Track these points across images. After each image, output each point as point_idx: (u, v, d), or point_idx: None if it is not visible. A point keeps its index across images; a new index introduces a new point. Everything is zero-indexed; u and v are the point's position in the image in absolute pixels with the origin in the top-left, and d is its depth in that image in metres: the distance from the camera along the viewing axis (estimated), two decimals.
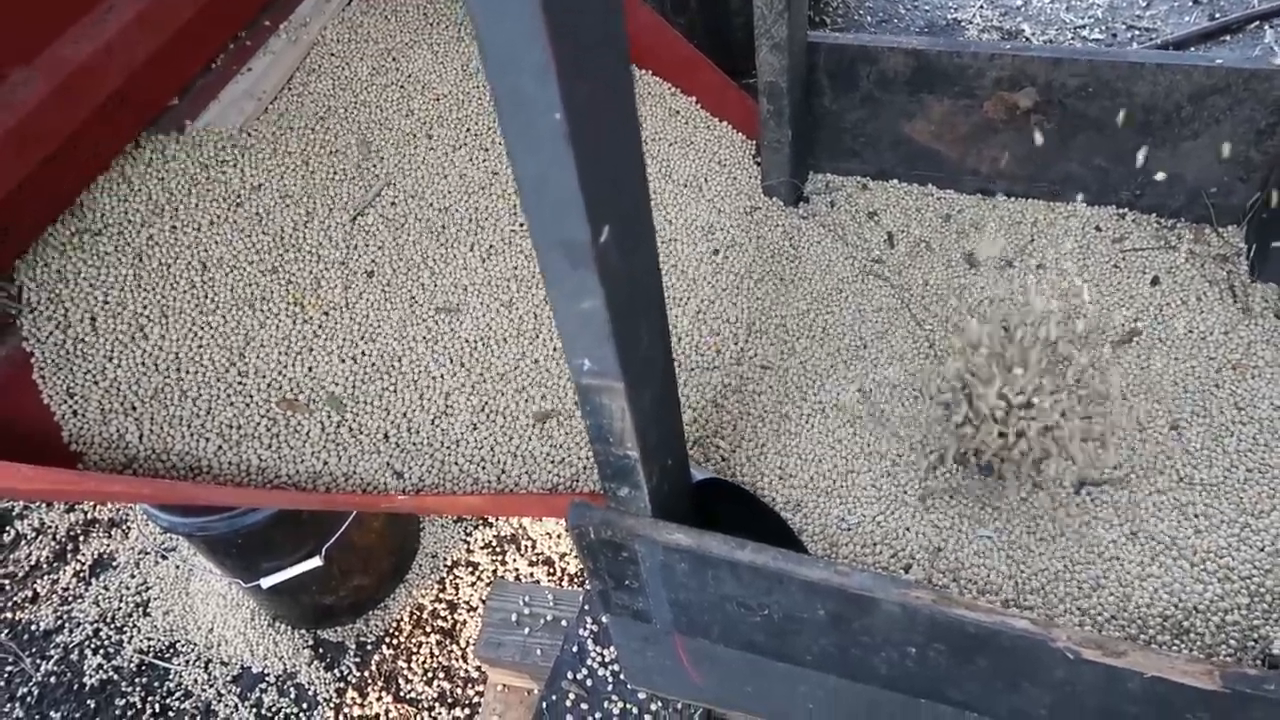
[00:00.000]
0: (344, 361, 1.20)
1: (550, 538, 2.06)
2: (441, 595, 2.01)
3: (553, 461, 1.16)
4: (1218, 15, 3.08)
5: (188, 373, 1.15)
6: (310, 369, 1.18)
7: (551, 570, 2.01)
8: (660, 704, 1.24)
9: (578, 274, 0.67)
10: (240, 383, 1.16)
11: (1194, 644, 1.04)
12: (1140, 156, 1.38)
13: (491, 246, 1.36)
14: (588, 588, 1.43)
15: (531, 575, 2.01)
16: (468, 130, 1.51)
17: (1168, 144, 1.38)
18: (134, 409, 1.11)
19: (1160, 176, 1.42)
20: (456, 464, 1.14)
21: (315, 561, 1.68)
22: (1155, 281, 1.40)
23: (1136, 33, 3.07)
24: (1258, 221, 1.39)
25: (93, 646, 1.96)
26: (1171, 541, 1.13)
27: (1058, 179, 1.48)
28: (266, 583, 1.68)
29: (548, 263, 0.67)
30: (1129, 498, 1.17)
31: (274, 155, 1.38)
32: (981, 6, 3.28)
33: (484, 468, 1.15)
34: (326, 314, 1.23)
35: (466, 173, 1.44)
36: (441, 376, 1.22)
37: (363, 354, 1.21)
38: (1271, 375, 1.27)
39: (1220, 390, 1.26)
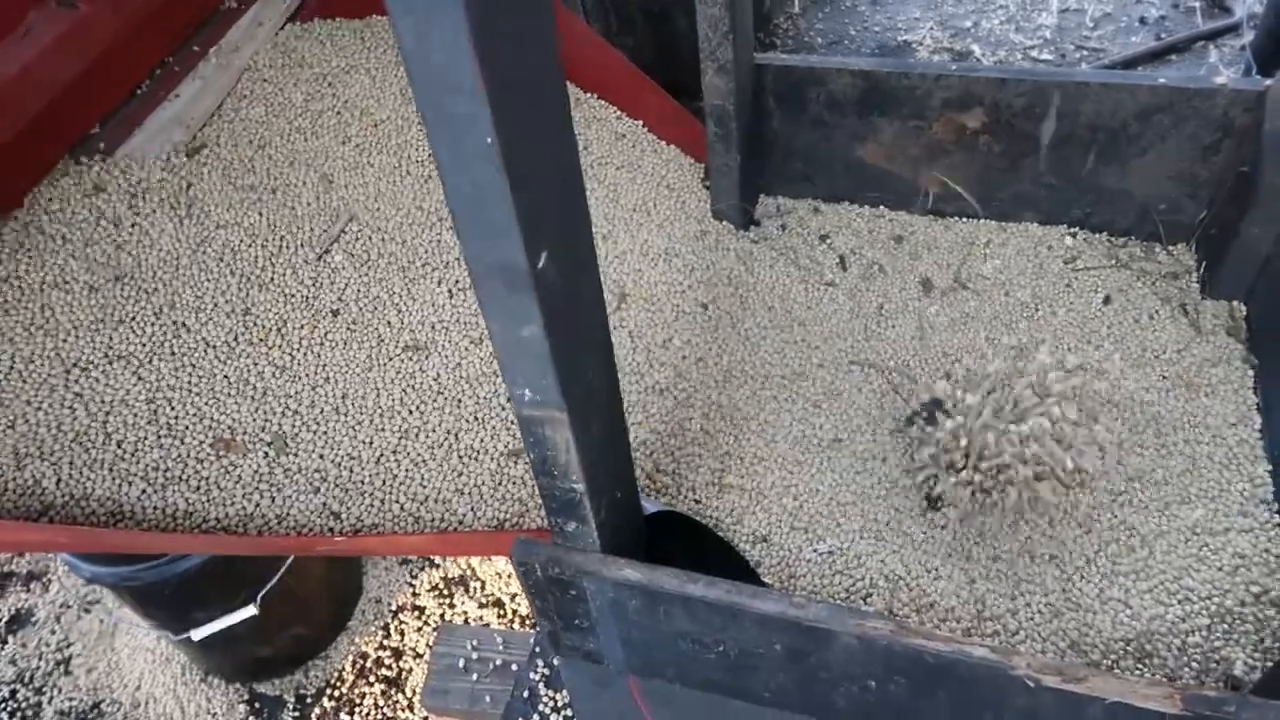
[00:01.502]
0: (292, 401, 1.20)
1: (501, 578, 2.03)
2: (386, 642, 1.97)
3: (500, 498, 1.15)
4: (1164, 35, 3.19)
5: (116, 415, 1.14)
6: (257, 409, 1.18)
7: (502, 612, 1.99)
8: None
9: (515, 299, 0.67)
10: (171, 424, 1.15)
11: (1157, 668, 1.05)
12: (1085, 173, 1.42)
13: (458, 281, 1.37)
14: (539, 629, 1.42)
15: (481, 618, 1.98)
16: (409, 157, 1.51)
17: (1115, 162, 1.42)
18: (52, 453, 1.09)
19: (1109, 194, 1.46)
20: (399, 503, 1.14)
21: (250, 610, 1.65)
22: (1107, 300, 1.43)
23: (1085, 53, 3.17)
24: (1206, 239, 1.43)
25: (8, 710, 1.89)
26: (1130, 565, 1.14)
27: (1008, 198, 1.52)
28: (198, 634, 1.64)
29: (484, 288, 0.67)
30: (1085, 520, 1.19)
31: (211, 186, 1.37)
32: (932, 28, 3.37)
33: (428, 506, 1.14)
34: (286, 353, 1.24)
35: (424, 204, 1.45)
36: (397, 415, 1.22)
37: (317, 394, 1.21)
38: (1223, 393, 1.29)
39: (1173, 408, 1.28)
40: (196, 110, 1.43)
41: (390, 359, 1.27)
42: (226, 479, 1.12)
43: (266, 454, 1.14)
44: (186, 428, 1.15)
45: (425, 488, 1.15)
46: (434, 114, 0.56)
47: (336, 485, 1.14)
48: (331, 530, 1.09)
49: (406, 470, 1.17)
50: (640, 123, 1.64)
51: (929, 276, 1.50)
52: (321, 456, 1.16)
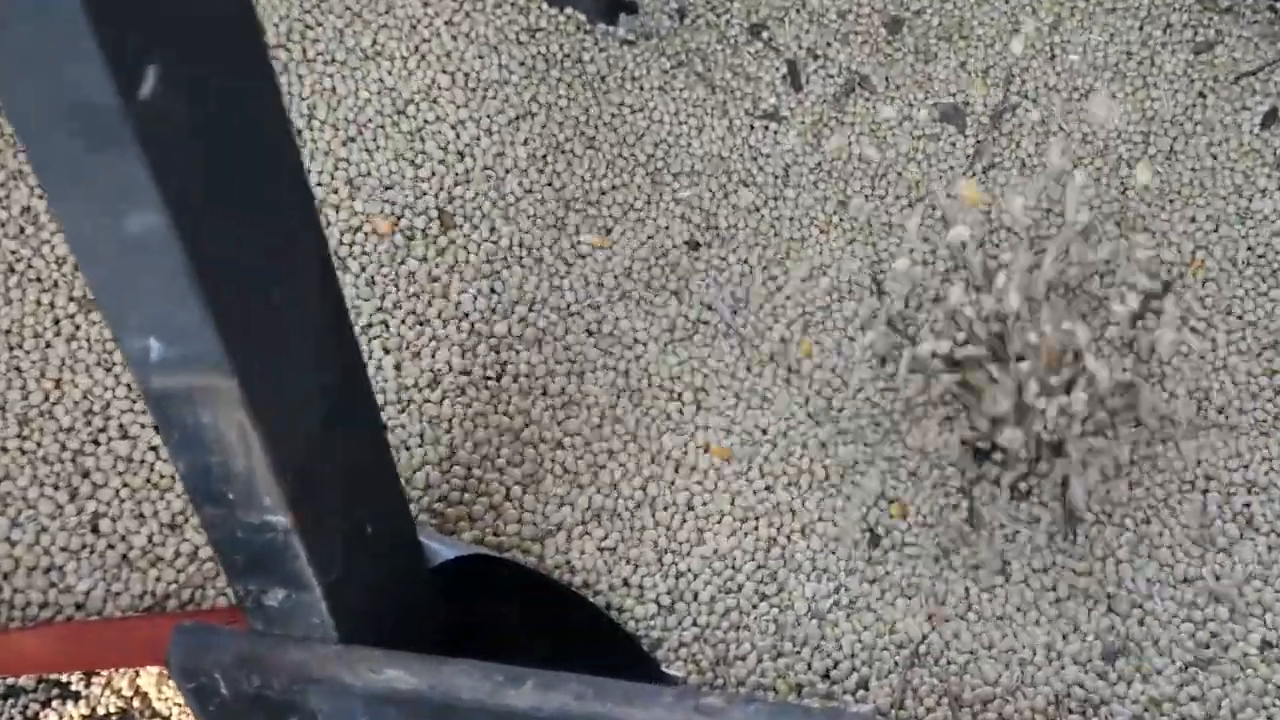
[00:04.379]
0: None
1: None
2: None
3: (154, 559, 1.16)
4: None
5: None
6: None
7: None
8: None
9: (106, 160, 0.66)
10: None
11: None
12: None
13: None
14: None
15: None
16: None
17: None
18: None
19: None
20: None
21: None
22: (1271, 120, 1.48)
23: None
24: None
25: None
26: None
27: None
28: None
29: (44, 149, 0.67)
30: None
31: None
32: None
33: (13, 580, 1.16)
34: None
35: None
36: None
37: None
38: None
39: None
40: None
41: None
42: None
43: None
44: None
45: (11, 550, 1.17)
46: None
47: None
48: None
49: None
50: None
51: (956, 95, 1.53)
52: None
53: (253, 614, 0.90)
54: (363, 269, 1.39)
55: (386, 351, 1.30)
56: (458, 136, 1.45)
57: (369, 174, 1.40)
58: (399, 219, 1.39)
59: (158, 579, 1.17)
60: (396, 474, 0.98)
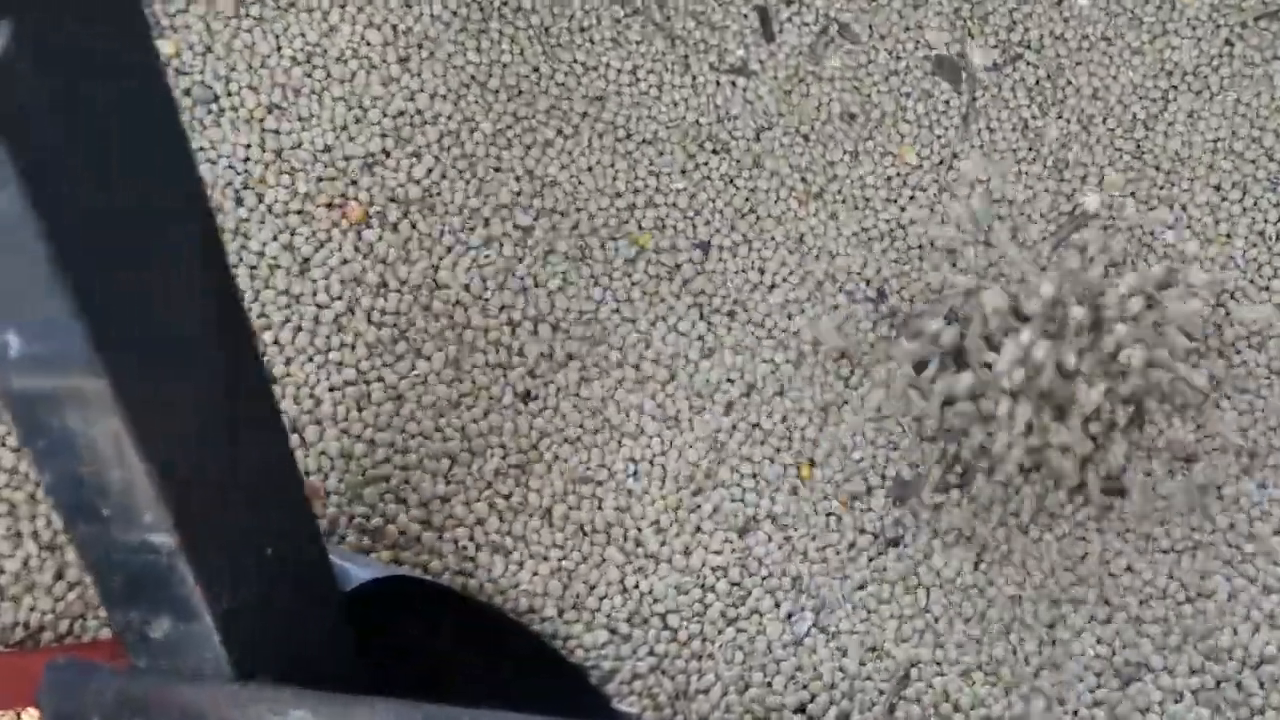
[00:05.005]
0: None
1: None
2: None
3: (29, 585, 1.17)
4: None
5: None
6: None
7: None
8: None
9: None
10: None
11: None
12: None
13: None
14: None
15: None
16: None
17: None
18: None
19: None
20: None
21: None
22: None
23: None
24: None
25: None
26: None
27: None
28: None
29: None
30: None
31: None
32: None
33: None
34: None
35: None
36: None
37: None
38: None
39: None
40: None
41: None
42: None
43: None
44: None
45: None
46: None
47: None
48: None
49: None
50: None
51: (950, 46, 1.54)
52: None
53: (135, 648, 0.89)
54: (273, 256, 1.38)
55: (301, 351, 1.30)
56: (391, 102, 1.45)
57: (301, 145, 1.40)
58: (350, 201, 1.39)
59: (32, 608, 1.17)
60: (302, 487, 0.97)
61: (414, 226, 1.40)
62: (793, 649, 1.27)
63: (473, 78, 1.51)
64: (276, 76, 1.43)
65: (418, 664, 1.08)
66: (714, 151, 1.48)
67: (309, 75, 1.46)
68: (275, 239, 1.38)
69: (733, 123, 1.50)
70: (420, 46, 1.51)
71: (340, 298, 1.36)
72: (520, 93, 1.51)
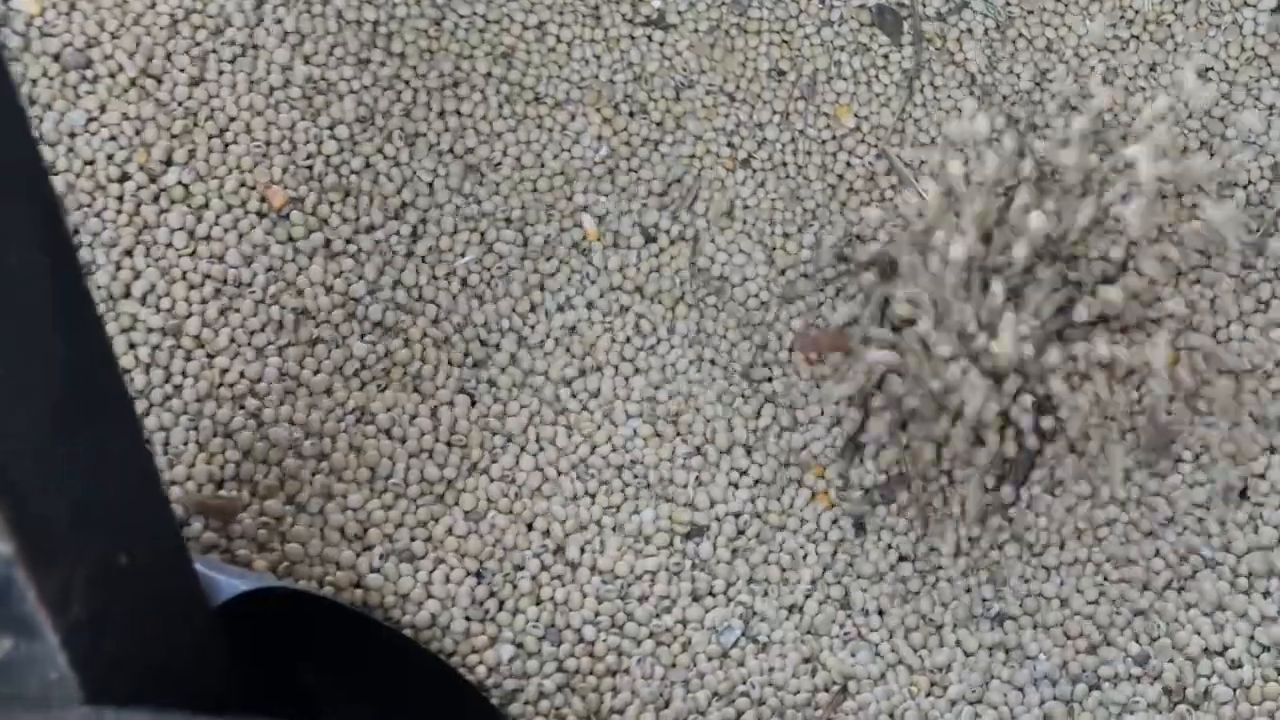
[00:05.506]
0: None
1: None
2: None
3: None
4: None
5: None
6: None
7: None
8: None
9: None
10: None
11: None
12: None
13: None
14: None
15: None
16: None
17: None
18: None
19: None
20: None
21: None
22: None
23: None
24: None
25: None
26: None
27: None
28: None
29: None
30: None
31: None
32: None
33: None
34: None
35: None
36: None
37: None
38: None
39: None
40: None
41: None
42: None
43: None
44: None
45: None
46: None
47: None
48: None
49: None
50: None
51: None
52: None
53: None
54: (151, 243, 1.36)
55: (167, 335, 1.29)
56: (270, 64, 1.44)
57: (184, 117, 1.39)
58: (273, 186, 1.39)
59: None
60: (162, 489, 0.96)
61: (332, 208, 1.40)
62: (719, 662, 1.27)
63: (371, 40, 1.50)
64: (155, 36, 1.42)
65: (298, 683, 1.09)
66: (631, 114, 1.48)
67: (148, 31, 1.45)
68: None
69: (650, 81, 1.50)
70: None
71: (252, 284, 1.37)
72: (429, 52, 1.50)
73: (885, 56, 1.52)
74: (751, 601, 1.30)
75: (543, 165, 1.45)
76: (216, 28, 1.43)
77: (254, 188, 1.37)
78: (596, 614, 1.28)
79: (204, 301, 1.34)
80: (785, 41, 1.52)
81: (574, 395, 1.38)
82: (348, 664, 1.19)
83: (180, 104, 1.39)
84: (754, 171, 1.47)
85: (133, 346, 1.29)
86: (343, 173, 1.40)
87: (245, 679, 1.03)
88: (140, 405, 1.27)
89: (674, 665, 1.27)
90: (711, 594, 1.30)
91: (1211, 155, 1.47)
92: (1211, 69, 1.52)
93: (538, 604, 1.28)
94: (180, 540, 1.01)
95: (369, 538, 1.29)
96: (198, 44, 1.41)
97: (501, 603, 1.28)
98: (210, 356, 1.34)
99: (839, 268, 1.43)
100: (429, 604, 1.27)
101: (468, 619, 1.27)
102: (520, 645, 1.25)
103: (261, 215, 1.37)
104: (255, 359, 1.36)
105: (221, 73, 1.41)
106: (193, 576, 1.00)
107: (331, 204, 1.39)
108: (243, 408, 1.33)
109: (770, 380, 1.39)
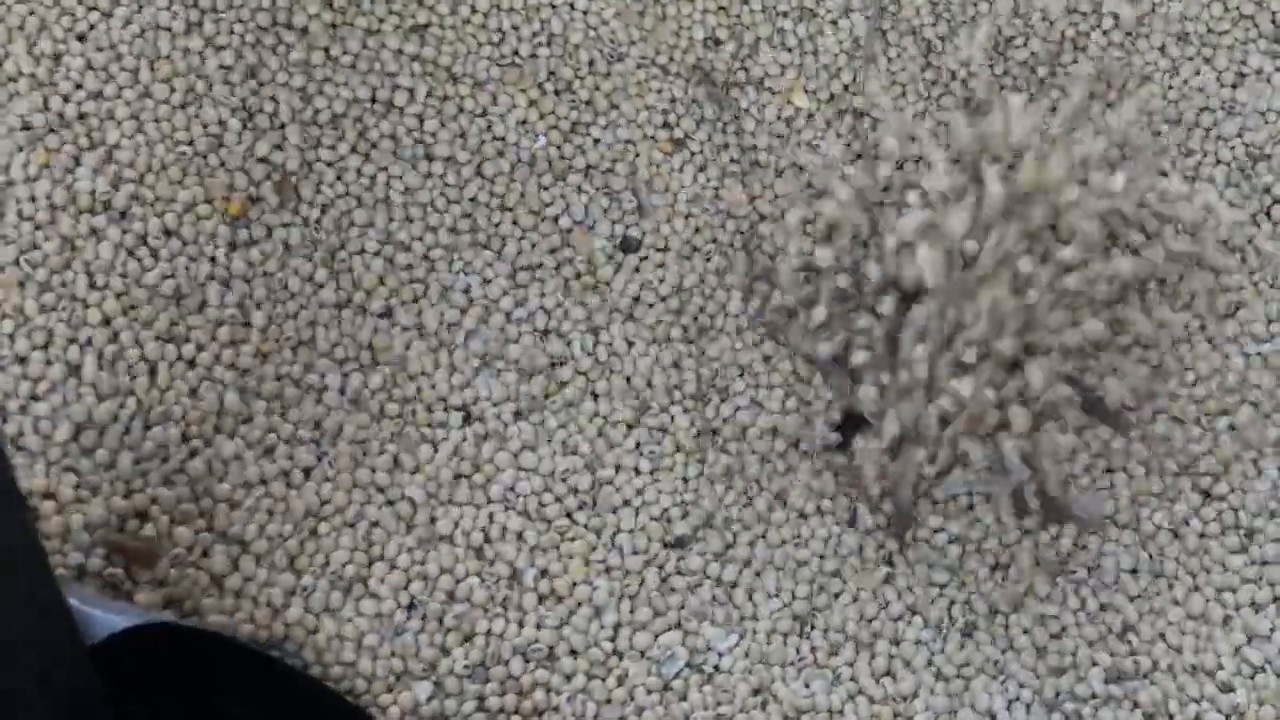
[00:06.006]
0: None
1: None
2: None
3: None
4: None
5: None
6: None
7: None
8: None
9: None
10: None
11: None
12: None
13: None
14: None
15: None
16: None
17: None
18: None
19: None
20: None
21: None
22: None
23: None
24: None
25: None
26: None
27: None
28: None
29: None
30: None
31: None
32: None
33: None
34: None
35: None
36: None
37: None
38: None
39: None
40: None
41: None
42: None
43: None
44: None
45: None
46: None
47: None
48: None
49: None
50: None
51: None
52: None
53: None
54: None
55: (35, 346, 1.28)
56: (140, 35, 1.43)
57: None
58: (234, 192, 1.39)
59: None
60: (30, 515, 0.97)
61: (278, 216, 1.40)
62: (659, 695, 1.27)
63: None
64: (52, 33, 1.42)
65: None
66: (556, 93, 1.48)
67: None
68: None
69: (575, 55, 1.50)
70: None
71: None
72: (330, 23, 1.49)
73: (833, 23, 1.52)
74: (696, 629, 1.30)
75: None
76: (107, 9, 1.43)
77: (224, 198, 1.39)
78: (524, 643, 1.29)
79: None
80: (722, 7, 1.52)
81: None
82: (244, 707, 1.18)
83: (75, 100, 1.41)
84: (690, 155, 1.48)
85: None
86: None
87: None
88: None
89: (608, 701, 1.27)
90: (651, 621, 1.31)
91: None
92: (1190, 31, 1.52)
93: (466, 641, 1.29)
94: (48, 570, 1.01)
95: (266, 571, 1.30)
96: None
97: (411, 623, 1.29)
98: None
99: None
100: (345, 639, 1.28)
101: (383, 659, 1.28)
102: (438, 684, 1.27)
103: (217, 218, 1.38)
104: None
105: (100, 50, 1.41)
106: (67, 613, 1.01)
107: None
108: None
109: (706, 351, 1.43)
